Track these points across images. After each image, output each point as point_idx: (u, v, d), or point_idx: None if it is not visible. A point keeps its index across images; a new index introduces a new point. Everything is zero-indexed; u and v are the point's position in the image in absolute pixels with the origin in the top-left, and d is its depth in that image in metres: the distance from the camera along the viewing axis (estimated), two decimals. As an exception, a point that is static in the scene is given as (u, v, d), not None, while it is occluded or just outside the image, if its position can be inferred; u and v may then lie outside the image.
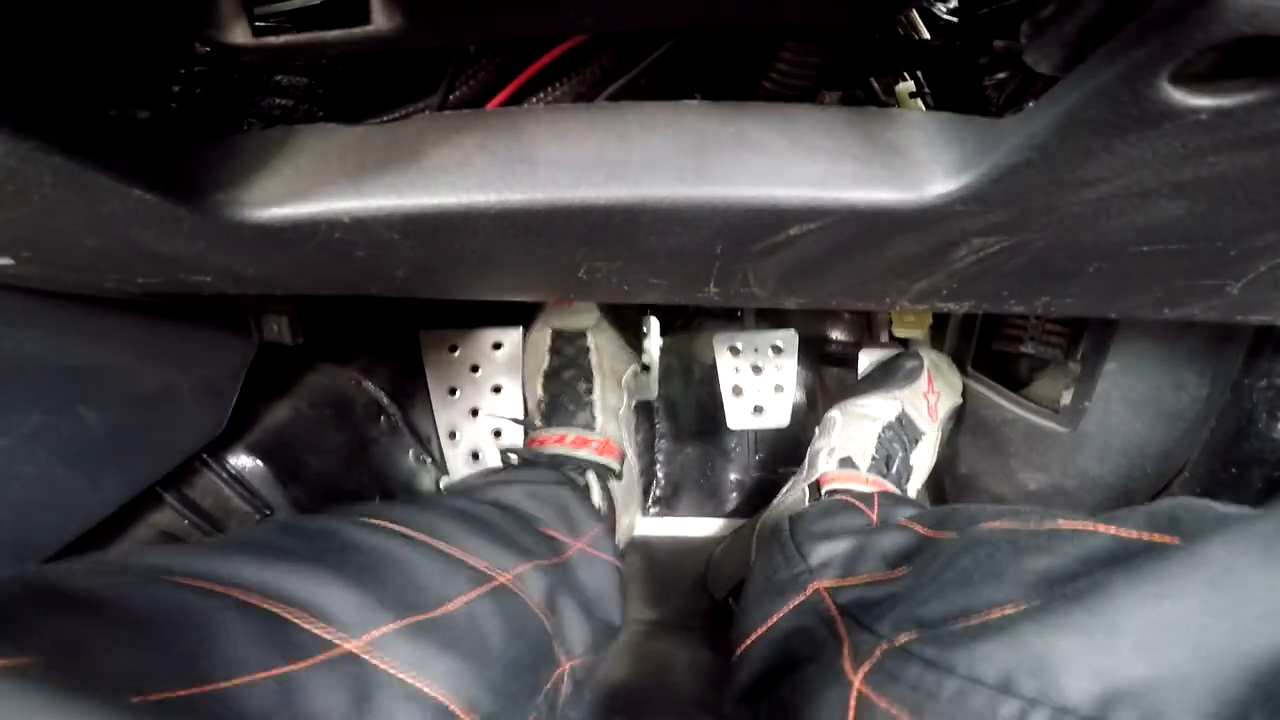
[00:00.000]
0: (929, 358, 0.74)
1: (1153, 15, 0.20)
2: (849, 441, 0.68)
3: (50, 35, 0.28)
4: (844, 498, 0.55)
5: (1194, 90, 0.21)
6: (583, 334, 0.71)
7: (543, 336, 0.73)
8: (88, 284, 0.40)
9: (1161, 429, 0.54)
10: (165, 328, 0.50)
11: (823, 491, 0.63)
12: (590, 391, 0.69)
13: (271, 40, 0.30)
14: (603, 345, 0.71)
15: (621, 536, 0.71)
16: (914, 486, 0.70)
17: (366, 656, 0.28)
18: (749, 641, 0.46)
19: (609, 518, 0.67)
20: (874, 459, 0.67)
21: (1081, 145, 0.25)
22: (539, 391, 0.72)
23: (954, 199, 0.29)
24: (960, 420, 0.75)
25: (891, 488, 0.64)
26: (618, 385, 0.71)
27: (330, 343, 0.75)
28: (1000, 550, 0.32)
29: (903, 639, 0.31)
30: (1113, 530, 0.29)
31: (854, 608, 0.40)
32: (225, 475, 0.62)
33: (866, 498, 0.54)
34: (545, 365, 0.71)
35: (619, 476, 0.69)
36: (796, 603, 0.45)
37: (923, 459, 0.71)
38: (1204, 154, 0.24)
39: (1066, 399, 0.60)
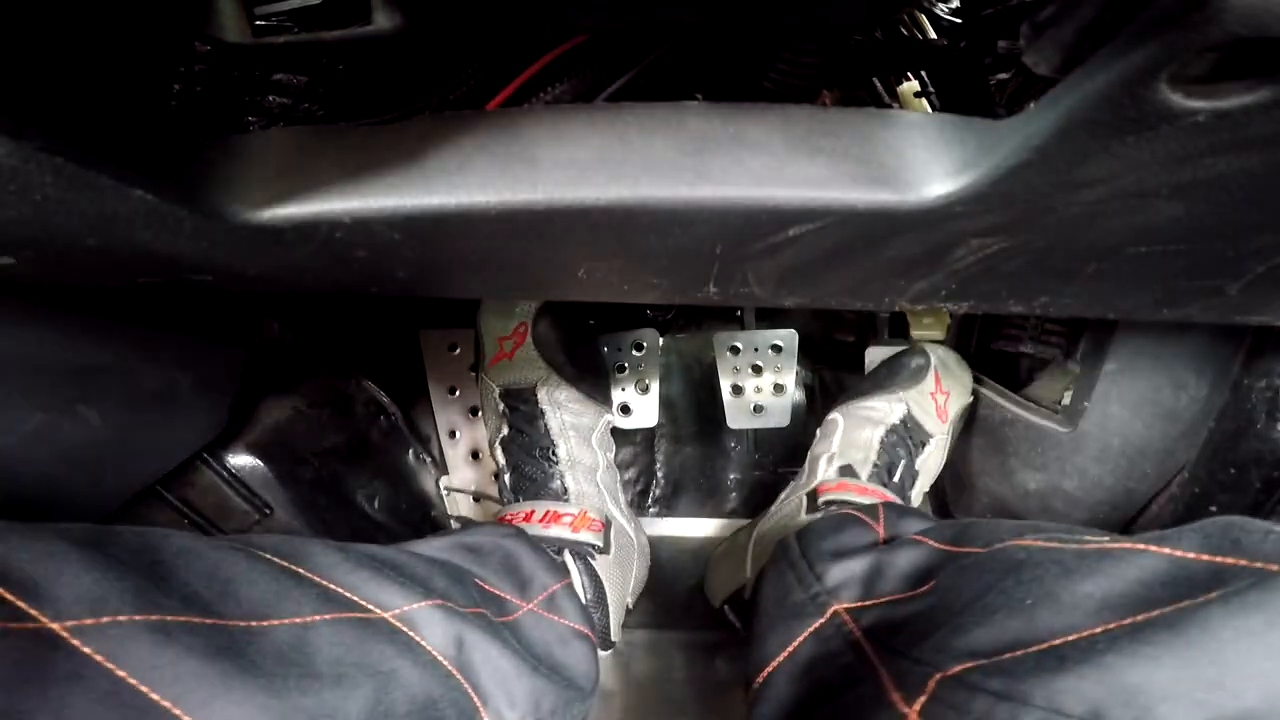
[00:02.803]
0: (936, 355, 0.70)
1: (1151, 18, 0.20)
2: (850, 447, 0.65)
3: (51, 35, 0.28)
4: (847, 511, 0.52)
5: (1192, 92, 0.21)
6: (532, 391, 0.63)
7: (493, 395, 0.64)
8: (88, 283, 0.40)
9: (1161, 429, 0.54)
10: (165, 327, 0.50)
11: (820, 501, 0.60)
12: (555, 456, 0.61)
13: (272, 40, 0.30)
14: (560, 401, 0.63)
15: (618, 612, 0.62)
16: (918, 492, 0.67)
17: (72, 639, 0.25)
18: (770, 669, 0.43)
19: (597, 604, 0.59)
20: (875, 466, 0.64)
21: (1080, 147, 0.25)
22: (500, 459, 0.64)
23: (953, 200, 0.29)
24: (963, 419, 0.74)
25: (892, 497, 0.61)
26: (586, 443, 0.63)
27: (330, 342, 0.75)
28: (1048, 573, 0.31)
29: (957, 668, 0.30)
30: (1166, 551, 0.28)
31: (879, 631, 0.39)
32: (225, 475, 0.62)
33: (870, 510, 0.52)
34: (504, 431, 0.63)
35: (604, 550, 0.60)
36: (816, 626, 0.43)
37: (929, 462, 0.68)
38: (1202, 156, 0.24)
39: (1066, 399, 0.60)
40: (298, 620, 0.32)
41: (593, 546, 0.59)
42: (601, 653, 0.61)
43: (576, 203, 0.30)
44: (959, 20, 0.47)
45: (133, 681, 0.25)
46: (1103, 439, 0.57)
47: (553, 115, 0.32)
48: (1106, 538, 0.32)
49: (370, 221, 0.32)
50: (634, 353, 0.75)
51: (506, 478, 0.64)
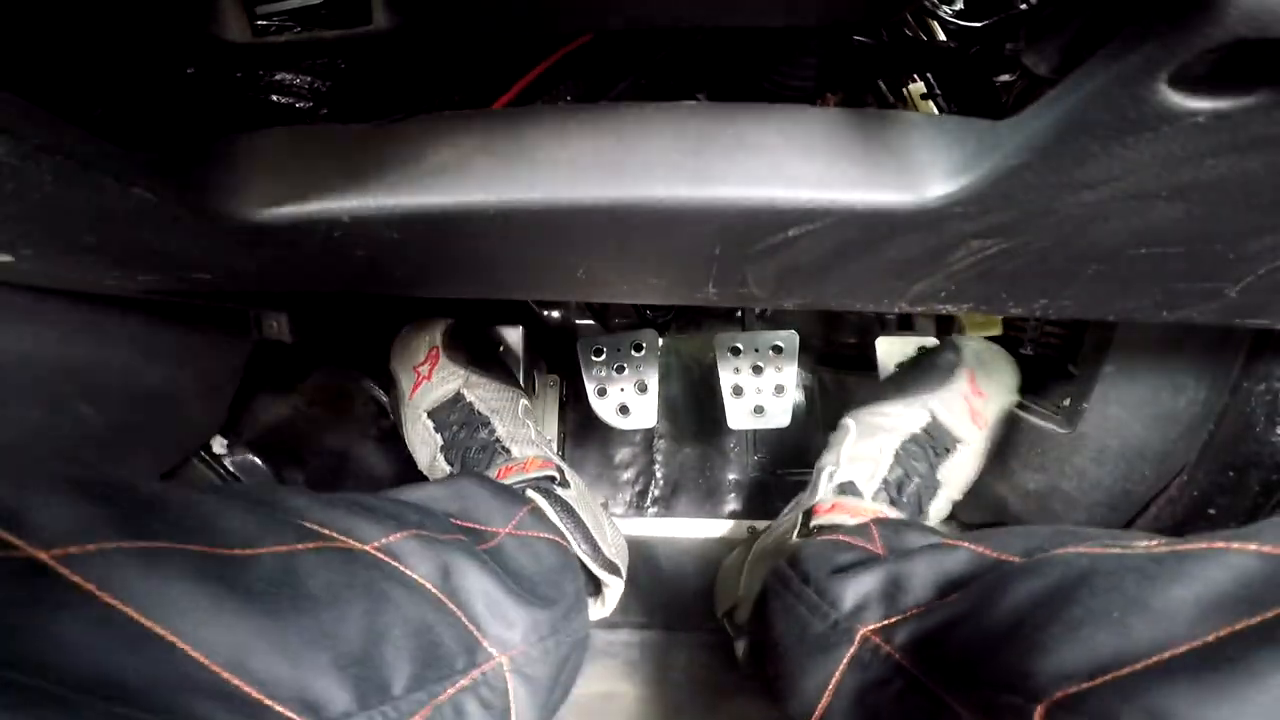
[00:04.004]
0: (970, 350, 0.63)
1: (1152, 18, 0.20)
2: (855, 460, 0.61)
3: (53, 35, 0.28)
4: (835, 536, 0.50)
5: (1192, 93, 0.21)
6: (457, 395, 0.65)
7: (419, 424, 0.65)
8: (88, 281, 0.40)
9: (1159, 431, 0.54)
10: (165, 325, 0.50)
11: (812, 525, 0.58)
12: (494, 431, 0.63)
13: (272, 39, 0.30)
14: (483, 395, 0.65)
15: (604, 535, 0.62)
16: (939, 504, 0.62)
17: (59, 567, 0.24)
18: (819, 712, 0.41)
19: (575, 527, 0.59)
20: (884, 481, 0.60)
21: (1080, 148, 0.25)
22: (444, 468, 0.64)
23: (952, 201, 0.29)
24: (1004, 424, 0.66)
25: (885, 513, 0.57)
26: (516, 418, 0.65)
27: (329, 341, 0.75)
28: (1125, 580, 0.29)
29: (1063, 692, 0.27)
30: (1253, 547, 0.27)
31: (918, 647, 0.37)
32: (224, 473, 0.62)
33: (859, 530, 0.50)
34: (440, 443, 0.64)
35: (564, 485, 0.61)
36: (850, 656, 0.41)
37: (956, 472, 0.62)
38: (1202, 157, 0.24)
39: (1066, 400, 0.60)
40: (282, 548, 0.32)
41: (550, 479, 0.60)
42: (614, 579, 0.61)
43: (575, 202, 0.30)
44: (966, 23, 0.46)
45: (125, 608, 0.25)
46: (1101, 440, 0.57)
47: (552, 115, 0.32)
48: (1160, 539, 0.31)
49: (369, 221, 0.32)
50: (633, 353, 0.75)
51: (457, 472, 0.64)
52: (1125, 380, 0.55)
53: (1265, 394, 0.47)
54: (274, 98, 0.41)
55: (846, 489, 0.59)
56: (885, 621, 0.40)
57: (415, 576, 0.37)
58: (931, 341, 0.71)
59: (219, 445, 0.62)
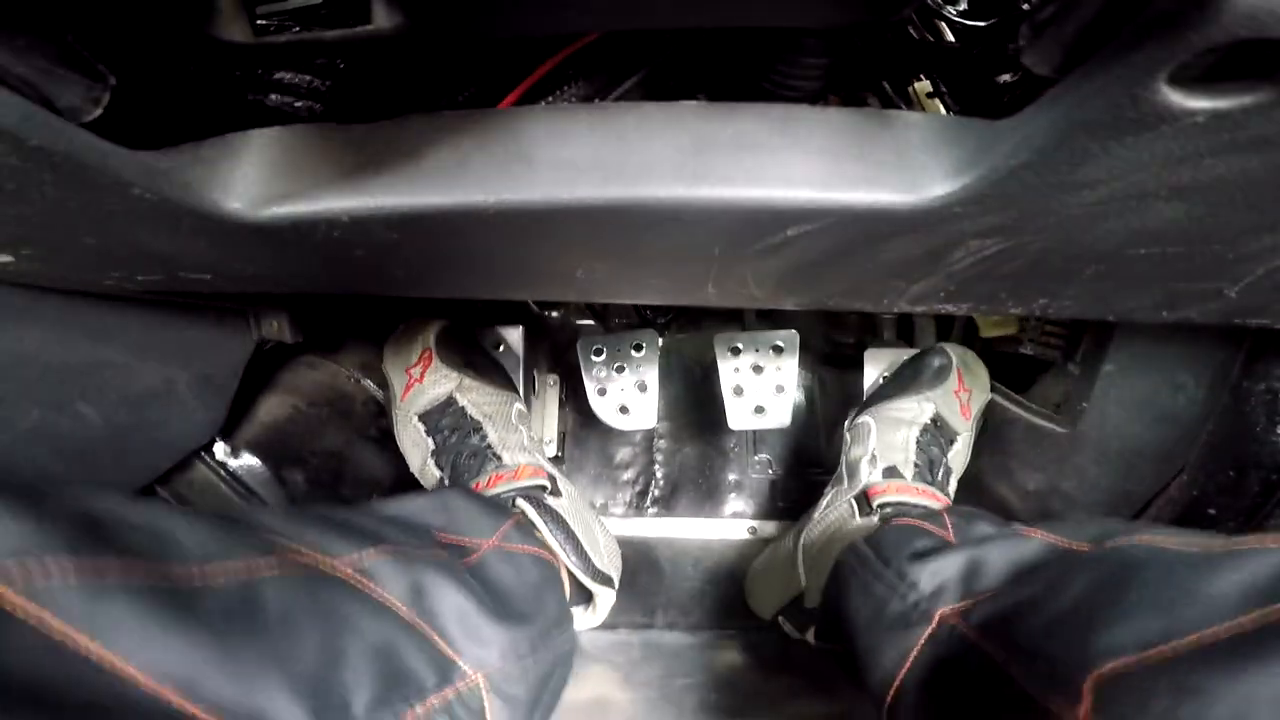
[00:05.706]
0: (955, 354, 0.70)
1: (1151, 18, 0.20)
2: (888, 449, 0.65)
3: (53, 35, 0.28)
4: (913, 522, 0.52)
5: (1192, 92, 0.21)
6: (449, 399, 0.65)
7: (410, 426, 0.66)
8: (87, 281, 0.40)
9: (1159, 431, 0.54)
10: (164, 325, 0.50)
11: (874, 504, 0.60)
12: (485, 437, 0.63)
13: (272, 39, 0.30)
14: (476, 399, 0.65)
15: (595, 545, 0.62)
16: (951, 489, 0.67)
17: None
18: (895, 686, 0.44)
19: (566, 539, 0.59)
20: (916, 466, 0.64)
21: (1079, 147, 0.25)
22: (435, 474, 0.64)
23: (952, 200, 0.29)
24: (983, 417, 0.73)
25: (943, 497, 0.62)
26: (509, 422, 0.66)
27: (329, 341, 0.75)
28: (1177, 571, 0.31)
29: (1111, 666, 0.30)
30: None
31: (992, 627, 0.39)
32: (222, 473, 0.62)
33: (933, 517, 0.52)
34: (430, 447, 0.64)
35: (555, 493, 0.61)
36: (928, 634, 0.43)
37: (958, 460, 0.68)
38: (1201, 157, 0.24)
39: (1065, 400, 0.60)
40: (241, 569, 0.31)
41: (540, 488, 0.61)
42: (605, 590, 0.61)
43: (574, 202, 0.30)
44: (969, 23, 0.46)
45: (69, 633, 0.24)
46: (1101, 440, 0.57)
47: (550, 115, 0.32)
48: (1221, 538, 0.33)
49: (368, 220, 0.32)
50: (633, 353, 0.75)
51: (446, 480, 0.64)
52: (1125, 380, 0.55)
53: (1265, 394, 0.47)
54: (274, 97, 0.41)
55: (891, 473, 0.63)
56: (961, 604, 0.42)
57: (385, 596, 0.37)
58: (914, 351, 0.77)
59: (219, 446, 0.62)
